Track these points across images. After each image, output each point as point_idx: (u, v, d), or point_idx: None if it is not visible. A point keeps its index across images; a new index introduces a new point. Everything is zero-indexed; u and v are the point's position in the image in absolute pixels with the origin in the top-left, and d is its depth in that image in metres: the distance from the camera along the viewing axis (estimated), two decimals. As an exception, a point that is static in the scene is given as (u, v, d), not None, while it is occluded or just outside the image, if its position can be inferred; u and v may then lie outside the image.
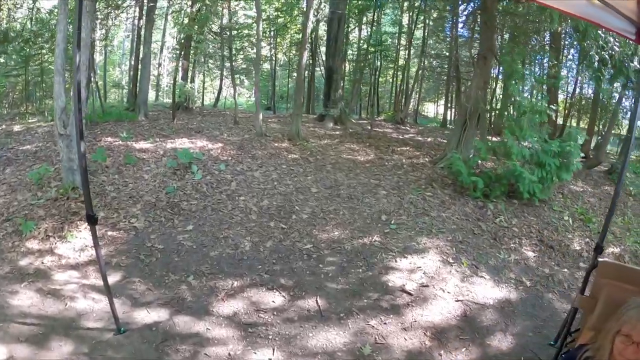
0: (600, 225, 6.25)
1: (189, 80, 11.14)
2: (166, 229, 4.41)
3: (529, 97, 7.42)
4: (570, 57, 11.36)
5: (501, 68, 9.41)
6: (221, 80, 15.33)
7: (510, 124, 6.34)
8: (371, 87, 16.86)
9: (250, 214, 4.93)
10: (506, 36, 11.60)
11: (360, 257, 4.35)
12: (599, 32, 5.97)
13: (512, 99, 7.00)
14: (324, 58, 14.41)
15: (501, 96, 12.93)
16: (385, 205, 5.71)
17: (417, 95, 17.51)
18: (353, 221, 5.11)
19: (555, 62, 9.13)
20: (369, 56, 14.66)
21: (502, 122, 7.94)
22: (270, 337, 2.94)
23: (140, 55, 10.07)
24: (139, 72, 9.74)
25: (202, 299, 3.32)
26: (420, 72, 15.42)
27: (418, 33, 15.39)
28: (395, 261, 4.39)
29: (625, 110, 10.27)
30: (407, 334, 3.25)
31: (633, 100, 8.59)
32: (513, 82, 7.11)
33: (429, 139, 11.17)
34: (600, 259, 1.81)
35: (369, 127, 10.59)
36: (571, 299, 4.25)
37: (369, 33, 15.06)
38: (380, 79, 17.88)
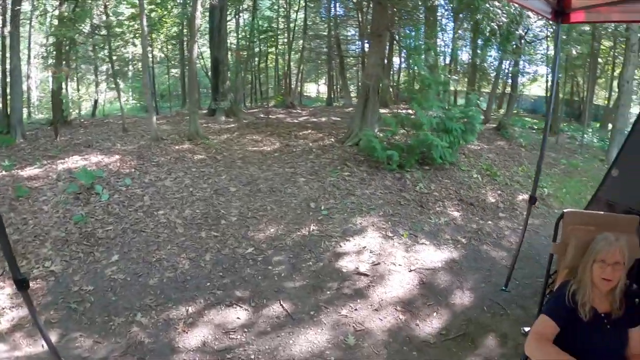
0: (505, 178, 7.62)
1: (66, 90, 10.06)
2: (89, 265, 3.89)
3: (431, 69, 8.50)
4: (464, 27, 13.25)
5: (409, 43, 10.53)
6: (97, 85, 14.21)
7: (417, 97, 7.17)
8: (253, 74, 17.09)
9: (176, 227, 4.61)
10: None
11: (304, 249, 4.42)
12: (487, 5, 7.29)
13: (417, 73, 7.92)
14: (201, 50, 14.28)
15: (404, 71, 14.45)
16: (309, 192, 5.90)
17: (300, 77, 18.37)
18: (284, 214, 5.16)
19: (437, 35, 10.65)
20: (251, 43, 14.94)
21: (406, 95, 8.89)
22: (252, 356, 2.81)
23: (8, 68, 8.75)
24: (9, 88, 8.90)
25: (161, 336, 2.98)
26: (303, 53, 16.18)
27: (298, 15, 16.19)
28: (340, 246, 4.59)
29: (505, 72, 12.61)
30: (380, 314, 3.47)
31: (513, 63, 10.74)
32: (416, 57, 8.05)
33: (323, 119, 11.87)
34: (565, 210, 2.28)
35: (262, 116, 10.93)
36: (503, 247, 5.12)
37: (248, 20, 15.32)
38: (260, 65, 18.26)
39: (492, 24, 7.76)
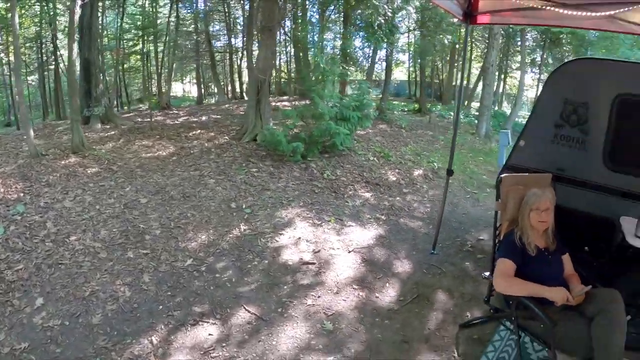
0: (397, 157, 8.51)
1: None
2: (11, 317, 3.11)
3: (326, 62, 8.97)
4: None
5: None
6: None
7: (316, 88, 7.53)
8: (117, 76, 15.67)
9: (98, 252, 4.03)
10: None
11: (244, 250, 4.39)
12: (375, 2, 8.03)
13: (314, 65, 8.26)
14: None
15: (300, 64, 14.72)
16: (224, 192, 5.81)
17: (170, 77, 17.57)
18: (208, 219, 5.00)
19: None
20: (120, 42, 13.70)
21: (304, 88, 9.21)
22: None
23: None
24: None
25: None
26: (174, 51, 15.50)
27: (165, 11, 15.35)
28: (276, 241, 4.68)
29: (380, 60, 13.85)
30: (342, 296, 3.70)
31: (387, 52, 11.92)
32: (314, 49, 8.42)
33: (204, 118, 11.61)
34: (502, 175, 2.85)
35: (140, 120, 10.22)
36: (416, 218, 5.80)
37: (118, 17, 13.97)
38: (124, 66, 16.84)
39: (379, 18, 8.59)
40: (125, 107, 15.15)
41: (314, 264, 4.25)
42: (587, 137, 3.38)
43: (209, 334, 3.05)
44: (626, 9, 2.71)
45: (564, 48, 14.92)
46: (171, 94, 19.42)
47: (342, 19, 12.22)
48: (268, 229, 4.92)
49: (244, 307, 3.40)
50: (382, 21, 8.90)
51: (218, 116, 11.96)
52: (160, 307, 3.33)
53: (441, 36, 11.73)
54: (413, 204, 6.37)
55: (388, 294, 3.78)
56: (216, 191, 5.79)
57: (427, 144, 10.47)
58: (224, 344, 2.95)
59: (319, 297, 3.65)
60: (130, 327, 3.05)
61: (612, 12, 2.78)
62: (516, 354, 2.92)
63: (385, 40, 9.63)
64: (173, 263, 3.99)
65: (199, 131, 9.27)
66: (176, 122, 10.82)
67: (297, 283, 3.85)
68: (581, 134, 3.40)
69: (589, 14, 2.95)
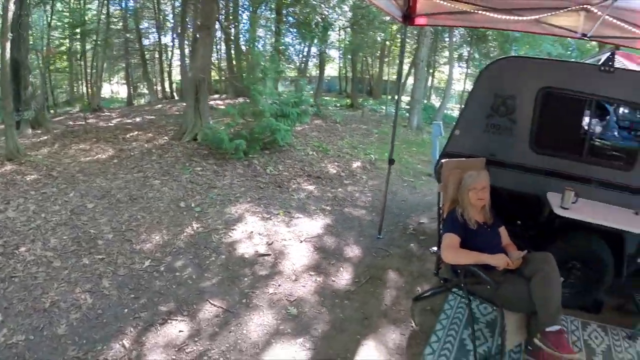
0: (335, 151, 8.82)
1: None
2: None
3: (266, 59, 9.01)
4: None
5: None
6: None
7: (256, 86, 7.58)
8: (44, 78, 14.39)
9: (51, 262, 3.76)
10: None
11: (200, 247, 4.38)
12: (314, 1, 8.21)
13: (255, 63, 8.26)
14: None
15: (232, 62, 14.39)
16: (171, 193, 5.72)
17: (99, 77, 16.55)
18: (159, 220, 4.90)
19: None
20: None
21: (244, 85, 9.18)
22: (221, 359, 2.79)
23: None
24: None
25: None
26: (104, 50, 14.60)
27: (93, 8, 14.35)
28: (230, 236, 4.73)
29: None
30: (301, 283, 3.86)
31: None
32: (255, 48, 8.40)
33: (138, 119, 11.18)
34: (442, 160, 3.20)
35: (72, 124, 9.72)
36: (359, 207, 6.12)
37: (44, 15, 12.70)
38: (50, 67, 15.51)
39: (317, 17, 8.82)
40: (52, 111, 14.09)
41: (269, 255, 4.36)
42: (515, 125, 3.87)
43: (180, 331, 3.06)
44: (549, 13, 3.17)
45: (490, 44, 16.21)
46: (101, 95, 18.41)
47: (274, 15, 12.32)
48: (220, 226, 4.94)
49: (209, 302, 3.43)
50: (319, 19, 9.17)
51: (152, 117, 11.59)
52: (126, 310, 3.26)
53: (373, 33, 12.30)
54: (355, 194, 6.69)
55: (343, 278, 4.01)
56: (163, 192, 5.68)
57: (362, 137, 10.94)
58: (196, 339, 2.98)
59: (279, 285, 3.78)
60: (99, 333, 2.95)
61: (537, 17, 3.22)
62: (467, 317, 3.29)
63: (320, 38, 9.90)
64: (131, 266, 3.90)
65: (136, 132, 8.93)
66: (110, 124, 10.34)
67: (256, 274, 3.95)
68: (509, 123, 3.87)
69: (516, 17, 3.39)
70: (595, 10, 3.44)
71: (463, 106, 4.24)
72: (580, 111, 3.84)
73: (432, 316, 3.43)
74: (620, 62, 4.26)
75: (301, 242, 4.76)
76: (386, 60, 19.87)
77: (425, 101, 19.20)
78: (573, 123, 3.84)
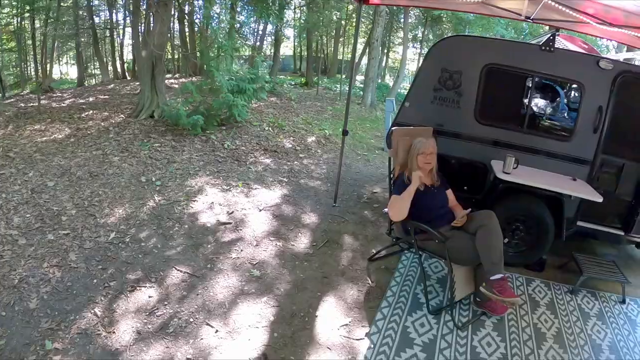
0: (291, 127, 8.92)
1: None
2: None
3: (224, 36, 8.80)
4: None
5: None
6: None
7: (214, 63, 7.45)
8: None
9: (17, 240, 3.65)
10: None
11: (163, 218, 4.40)
12: None
13: (213, 40, 8.07)
14: None
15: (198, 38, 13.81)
16: (132, 168, 5.64)
17: (51, 57, 15.45)
18: (121, 194, 4.86)
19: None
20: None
21: (201, 62, 8.97)
22: (190, 319, 2.86)
23: None
24: None
25: (91, 349, 2.54)
26: (54, 29, 13.57)
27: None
28: (192, 207, 4.77)
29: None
30: (262, 247, 4.01)
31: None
32: (211, 25, 8.15)
33: (92, 99, 10.69)
34: (393, 128, 3.42)
35: (23, 105, 9.28)
36: (315, 178, 6.30)
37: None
38: None
39: None
40: (0, 94, 13.10)
41: (230, 223, 4.46)
42: (461, 98, 4.16)
43: (149, 297, 3.12)
44: None
45: (444, 26, 16.60)
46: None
47: None
48: (182, 198, 4.95)
49: (175, 268, 3.51)
50: None
51: (106, 97, 11.10)
52: (95, 280, 3.26)
53: (329, 12, 12.29)
54: (310, 167, 6.86)
55: (302, 242, 4.20)
56: (123, 168, 5.59)
57: (316, 114, 11.06)
58: (165, 303, 3.06)
59: (241, 250, 3.90)
60: (70, 304, 2.95)
61: None
62: (420, 273, 3.58)
63: (277, 15, 9.80)
64: (96, 239, 3.87)
65: (91, 112, 8.55)
66: (63, 104, 9.80)
67: (219, 241, 4.04)
68: (456, 96, 4.16)
69: (464, -1, 3.60)
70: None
71: (413, 80, 4.48)
72: (521, 86, 4.21)
73: (387, 274, 3.70)
74: (562, 43, 4.66)
75: (260, 210, 4.87)
76: (341, 39, 19.93)
77: (380, 80, 19.57)
78: (514, 97, 4.21)
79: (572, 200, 3.88)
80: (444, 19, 15.92)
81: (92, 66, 21.70)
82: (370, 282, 3.58)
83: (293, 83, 16.35)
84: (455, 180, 3.69)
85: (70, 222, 4.14)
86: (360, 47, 18.41)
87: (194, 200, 4.94)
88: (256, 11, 10.21)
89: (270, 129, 8.58)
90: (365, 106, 13.18)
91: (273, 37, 16.90)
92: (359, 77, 19.69)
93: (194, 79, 12.44)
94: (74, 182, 5.04)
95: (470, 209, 3.24)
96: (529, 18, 4.56)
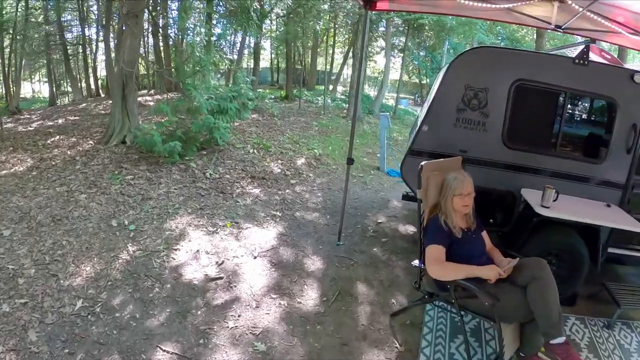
0: (277, 148, 8.37)
1: None
2: None
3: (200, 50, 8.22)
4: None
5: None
6: None
7: (191, 80, 6.86)
8: None
9: None
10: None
11: (140, 276, 3.75)
12: None
13: (190, 54, 7.48)
14: None
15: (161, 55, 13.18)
16: (101, 209, 4.97)
17: (18, 76, 14.66)
18: (88, 245, 4.18)
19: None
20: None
21: (178, 80, 8.33)
22: None
23: None
24: None
25: None
26: (22, 46, 12.80)
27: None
28: (173, 258, 4.14)
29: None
30: (263, 309, 3.42)
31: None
32: (189, 37, 7.55)
33: (61, 121, 9.97)
34: (423, 163, 2.88)
35: None
36: (311, 209, 5.76)
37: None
38: None
39: (255, 3, 8.18)
40: None
41: (221, 278, 3.86)
42: (487, 120, 3.70)
43: None
44: (522, 2, 2.97)
45: (426, 34, 16.36)
46: (20, 96, 16.43)
47: (204, 4, 11.41)
48: (161, 246, 4.32)
49: (160, 348, 2.88)
50: (258, 6, 8.55)
51: (76, 117, 10.41)
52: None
53: (312, 22, 11.86)
54: (304, 195, 6.32)
55: (310, 297, 3.64)
56: (90, 208, 4.92)
57: (302, 131, 10.56)
58: None
59: (239, 316, 3.31)
60: None
61: (510, 5, 3.02)
62: (450, 330, 3.09)
63: (258, 25, 9.30)
64: (60, 309, 3.19)
65: (57, 137, 7.82)
66: (30, 128, 9.09)
67: (210, 305, 3.44)
68: (482, 117, 3.70)
69: (487, 5, 3.17)
70: (570, 2, 3.34)
71: (431, 100, 3.98)
72: (553, 105, 3.80)
73: (414, 331, 3.19)
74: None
75: (255, 257, 4.30)
76: (318, 50, 19.56)
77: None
78: (546, 117, 3.79)
79: (606, 227, 3.54)
80: (426, 27, 15.70)
81: (65, 84, 20.80)
82: (397, 345, 3.04)
83: (273, 97, 15.85)
84: (479, 213, 3.23)
85: (29, 286, 3.46)
86: (338, 58, 18.10)
87: (176, 249, 4.32)
88: (236, 22, 9.65)
89: (255, 151, 8.01)
90: (349, 118, 12.74)
91: (252, 50, 16.40)
92: (340, 88, 19.37)
93: (170, 95, 11.81)
94: (34, 230, 4.36)
95: (518, 258, 2.76)
96: (559, 27, 4.16)
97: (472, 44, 20.77)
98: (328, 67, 20.77)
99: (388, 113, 9.15)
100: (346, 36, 17.37)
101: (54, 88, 16.84)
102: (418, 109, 22.66)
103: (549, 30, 6.09)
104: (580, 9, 3.47)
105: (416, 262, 2.97)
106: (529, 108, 3.72)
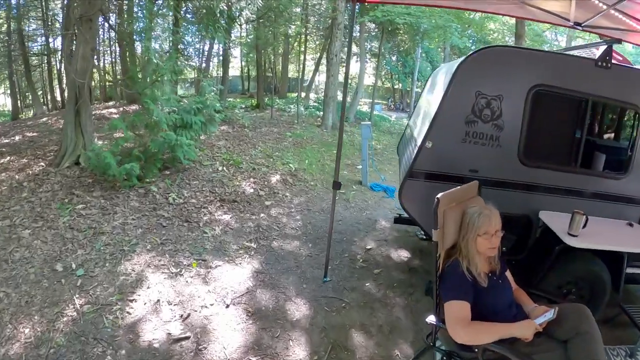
0: (249, 163, 7.72)
1: None
2: None
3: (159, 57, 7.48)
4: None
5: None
6: None
7: (149, 91, 6.14)
8: None
9: None
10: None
11: (88, 340, 3.04)
12: None
13: (147, 62, 6.73)
14: None
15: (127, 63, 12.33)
16: (46, 248, 4.23)
17: None
18: (29, 297, 3.44)
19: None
20: None
21: (133, 91, 7.52)
22: None
23: None
24: None
25: None
26: None
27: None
28: (129, 313, 3.44)
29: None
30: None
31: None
32: (147, 43, 6.79)
33: (17, 138, 9.00)
34: (438, 196, 2.27)
35: None
36: (290, 237, 5.15)
37: None
38: None
39: (222, 4, 7.54)
40: None
41: (188, 338, 3.19)
42: (502, 133, 3.18)
43: None
44: None
45: (400, 38, 15.98)
46: None
47: (172, 9, 10.66)
48: (114, 297, 3.61)
49: None
50: (225, 7, 7.89)
51: (34, 134, 9.34)
52: None
53: (283, 27, 11.27)
54: (281, 220, 5.70)
55: (297, 356, 3.03)
56: (34, 248, 4.17)
57: (275, 143, 9.93)
58: None
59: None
60: None
61: None
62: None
63: (226, 29, 8.65)
64: None
65: (8, 158, 6.87)
66: None
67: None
68: (495, 130, 3.17)
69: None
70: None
71: (434, 110, 3.39)
72: (574, 114, 3.34)
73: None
74: (593, 53, 3.87)
75: (227, 306, 3.64)
76: (289, 56, 19.02)
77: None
78: (566, 129, 3.32)
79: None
80: (400, 30, 15.34)
81: (30, 96, 19.68)
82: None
83: (244, 106, 15.17)
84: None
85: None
86: (310, 64, 17.60)
87: (132, 299, 3.61)
88: (203, 27, 8.94)
89: (224, 168, 7.32)
90: (326, 128, 12.18)
91: (221, 57, 15.67)
92: (313, 95, 18.85)
93: (135, 107, 10.99)
94: (-37, 280, 3.58)
95: (556, 308, 2.22)
96: (578, 25, 3.68)
97: (445, 48, 20.70)
98: (300, 74, 20.22)
99: (369, 122, 8.62)
100: (317, 42, 16.86)
101: (19, 101, 15.75)
102: (392, 114, 22.56)
103: (526, 30, 5.70)
104: (605, 7, 3.00)
105: (432, 319, 2.39)
106: (549, 118, 3.24)
